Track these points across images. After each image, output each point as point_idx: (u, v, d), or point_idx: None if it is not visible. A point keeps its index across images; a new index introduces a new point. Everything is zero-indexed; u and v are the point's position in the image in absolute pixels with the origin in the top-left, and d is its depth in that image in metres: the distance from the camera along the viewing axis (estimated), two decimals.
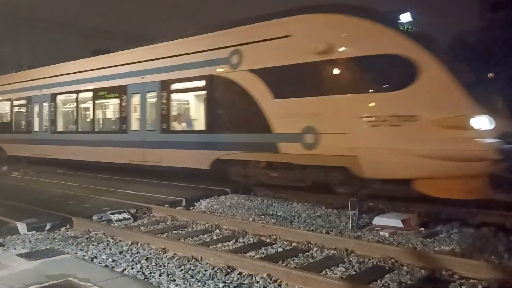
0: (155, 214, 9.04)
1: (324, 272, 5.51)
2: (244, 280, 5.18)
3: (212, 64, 11.06)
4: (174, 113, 12.61)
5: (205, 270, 5.48)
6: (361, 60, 8.69)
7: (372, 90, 8.64)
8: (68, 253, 6.13)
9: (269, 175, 10.37)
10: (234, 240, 7.03)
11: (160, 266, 5.71)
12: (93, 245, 6.77)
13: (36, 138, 17.11)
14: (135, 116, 13.39)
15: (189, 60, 11.74)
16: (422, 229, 7.44)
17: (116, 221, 8.26)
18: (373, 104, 8.53)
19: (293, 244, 6.75)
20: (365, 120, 8.41)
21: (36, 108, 17.26)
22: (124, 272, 5.49)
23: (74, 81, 15.47)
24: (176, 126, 12.51)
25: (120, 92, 13.87)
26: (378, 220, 7.75)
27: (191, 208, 9.77)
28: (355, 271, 5.57)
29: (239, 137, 10.53)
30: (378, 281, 5.20)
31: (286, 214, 8.91)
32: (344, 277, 5.34)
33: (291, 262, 5.96)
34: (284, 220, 8.43)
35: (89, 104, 15.40)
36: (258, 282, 5.10)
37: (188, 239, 7.18)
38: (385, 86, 8.60)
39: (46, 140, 16.56)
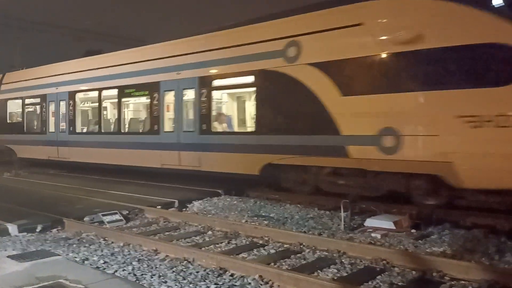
0: (148, 215, 9.01)
1: (316, 273, 5.53)
2: (236, 282, 5.18)
3: (264, 58, 9.91)
4: (215, 112, 11.58)
5: (197, 272, 5.48)
6: (459, 50, 7.45)
7: (473, 85, 7.38)
8: (59, 255, 6.08)
9: (334, 183, 9.35)
10: (226, 242, 7.03)
11: (152, 267, 5.70)
12: (85, 246, 6.73)
13: (52, 139, 16.01)
14: (168, 115, 12.30)
15: (234, 54, 10.64)
16: (413, 230, 7.48)
17: (108, 222, 8.22)
18: (475, 101, 7.30)
19: (285, 245, 6.75)
20: (464, 120, 7.25)
21: (52, 107, 16.12)
22: (116, 273, 5.46)
23: (98, 78, 14.34)
24: (218, 127, 11.48)
25: (151, 89, 12.55)
26: (370, 222, 7.78)
27: (184, 209, 9.75)
28: (347, 272, 5.58)
29: (296, 139, 9.42)
30: (370, 282, 5.21)
31: (279, 216, 8.92)
32: (335, 278, 5.35)
33: (283, 263, 5.96)
34: (276, 222, 8.44)
35: (115, 103, 14.36)
36: (250, 283, 5.10)
37: (180, 240, 7.16)
38: (489, 80, 7.33)
39: (64, 141, 15.48)
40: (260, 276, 5.18)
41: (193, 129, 11.42)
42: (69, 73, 15.48)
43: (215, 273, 5.43)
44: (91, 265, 5.82)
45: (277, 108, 9.85)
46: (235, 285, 5.09)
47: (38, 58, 21.43)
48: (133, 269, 5.62)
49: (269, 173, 9.97)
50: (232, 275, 5.37)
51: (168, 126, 12.19)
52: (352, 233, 7.48)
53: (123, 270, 5.59)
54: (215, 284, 5.10)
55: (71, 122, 15.28)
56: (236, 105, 12.45)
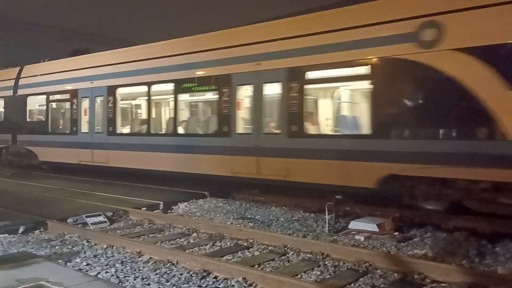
0: (132, 217, 8.96)
1: (299, 275, 5.56)
2: (219, 284, 5.18)
3: (387, 42, 8.03)
4: (306, 111, 9.52)
5: (181, 274, 5.47)
6: None
7: None
8: (41, 257, 6.03)
9: (494, 201, 7.43)
10: (211, 244, 7.02)
11: (135, 270, 5.67)
12: (68, 248, 6.68)
13: (85, 141, 13.93)
14: (242, 115, 10.51)
15: (342, 39, 8.65)
16: (396, 233, 7.56)
17: (92, 224, 8.15)
18: None
19: (269, 247, 6.77)
20: None
21: (85, 104, 14.10)
22: (98, 275, 5.43)
23: (146, 70, 12.34)
24: (313, 128, 9.73)
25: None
26: (354, 224, 7.84)
27: (169, 211, 9.71)
28: (330, 274, 5.63)
29: (436, 145, 7.55)
30: (352, 285, 5.27)
31: (264, 218, 8.94)
32: (318, 280, 5.39)
33: (267, 265, 5.98)
34: (261, 224, 8.46)
35: (169, 100, 12.65)
36: (233, 286, 5.11)
37: (164, 242, 7.14)
38: None
39: (101, 143, 13.45)
40: (244, 279, 5.19)
41: (279, 131, 9.76)
42: (108, 65, 13.57)
43: (199, 275, 5.42)
44: (73, 267, 5.78)
45: (408, 104, 8.05)
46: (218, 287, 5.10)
47: (21, 57, 21.20)
48: (116, 271, 5.59)
49: (390, 186, 8.17)
50: (215, 277, 5.38)
51: (242, 127, 10.75)
52: (336, 236, 7.54)
53: (106, 272, 5.56)
54: (198, 286, 5.10)
55: (111, 121, 13.23)
56: (345, 101, 10.06)
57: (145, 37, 16.08)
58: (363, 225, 7.71)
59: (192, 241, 7.30)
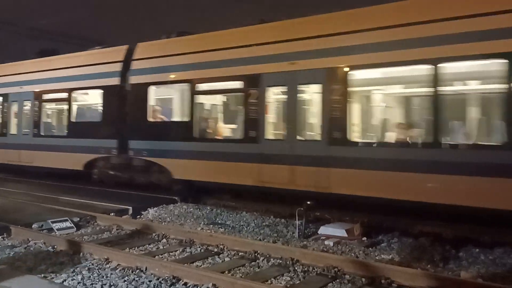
0: (100, 223, 8.78)
1: (269, 281, 5.58)
2: None
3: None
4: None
5: (150, 281, 5.40)
6: None
7: None
8: (4, 264, 5.84)
9: None
10: (181, 250, 6.97)
11: (103, 277, 5.56)
12: (32, 255, 6.49)
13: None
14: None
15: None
16: (364, 238, 7.70)
17: (58, 230, 7.95)
18: None
19: (240, 253, 6.77)
20: None
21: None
22: (64, 283, 5.30)
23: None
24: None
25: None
26: (323, 230, 7.94)
27: (138, 216, 9.58)
28: (300, 280, 5.68)
29: None
30: None
31: (234, 223, 8.94)
32: (288, 286, 5.43)
33: (238, 271, 5.98)
34: (232, 230, 8.46)
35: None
36: None
37: (133, 249, 7.03)
38: None
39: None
40: (214, 285, 5.17)
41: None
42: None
43: (168, 282, 5.37)
44: (38, 274, 5.61)
45: None
46: None
47: None
48: (82, 278, 5.47)
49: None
50: (185, 284, 5.34)
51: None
52: (306, 241, 7.61)
53: (72, 279, 5.43)
54: None
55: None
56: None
57: (114, 37, 15.82)
58: (332, 231, 7.82)
59: (161, 247, 7.22)
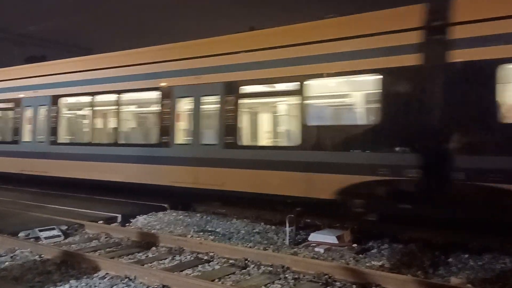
0: (88, 231, 8.67)
1: None
2: None
3: None
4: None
5: None
6: None
7: None
8: None
9: None
10: (170, 258, 6.90)
11: (91, 286, 5.48)
12: (18, 264, 6.37)
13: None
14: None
15: None
16: (355, 245, 7.69)
17: (45, 238, 7.84)
18: None
19: (230, 261, 6.72)
20: None
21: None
22: None
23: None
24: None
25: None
26: (314, 237, 7.92)
27: (127, 224, 9.48)
28: (290, 287, 5.64)
29: None
30: None
31: (225, 231, 8.89)
32: None
33: (228, 279, 5.93)
34: (222, 237, 8.40)
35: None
36: None
37: (122, 257, 6.94)
38: None
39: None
40: None
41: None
42: None
43: None
44: (25, 283, 5.51)
45: None
46: None
47: None
48: (70, 287, 5.38)
49: None
50: None
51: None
52: (296, 248, 7.59)
53: None
54: None
55: None
56: None
57: (105, 45, 15.73)
58: (323, 237, 7.80)
59: (151, 255, 7.14)
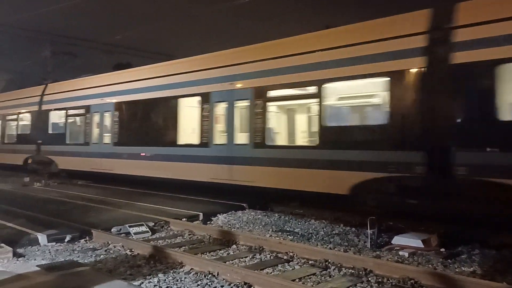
0: (173, 227, 9.08)
1: None
2: None
3: None
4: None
5: (222, 286, 5.47)
6: None
7: None
8: (87, 265, 6.19)
9: None
10: (250, 256, 7.00)
11: (177, 280, 5.72)
12: (112, 257, 6.82)
13: None
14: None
15: None
16: (442, 249, 7.29)
17: (135, 234, 8.32)
18: None
19: (310, 261, 6.68)
20: None
21: None
22: (142, 285, 5.51)
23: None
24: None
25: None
26: (397, 240, 7.63)
27: (208, 222, 9.79)
28: None
29: None
30: None
31: (303, 231, 8.85)
32: None
33: (308, 280, 5.90)
34: (301, 237, 8.37)
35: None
36: None
37: (205, 254, 7.18)
38: None
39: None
40: None
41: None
42: None
43: None
44: (118, 275, 5.89)
45: None
46: None
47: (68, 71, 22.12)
48: (158, 281, 5.66)
49: None
50: None
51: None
52: (379, 251, 7.35)
53: (149, 282, 5.63)
54: None
55: None
56: None
57: (187, 51, 16.35)
58: (407, 241, 7.49)
59: (232, 253, 7.30)
